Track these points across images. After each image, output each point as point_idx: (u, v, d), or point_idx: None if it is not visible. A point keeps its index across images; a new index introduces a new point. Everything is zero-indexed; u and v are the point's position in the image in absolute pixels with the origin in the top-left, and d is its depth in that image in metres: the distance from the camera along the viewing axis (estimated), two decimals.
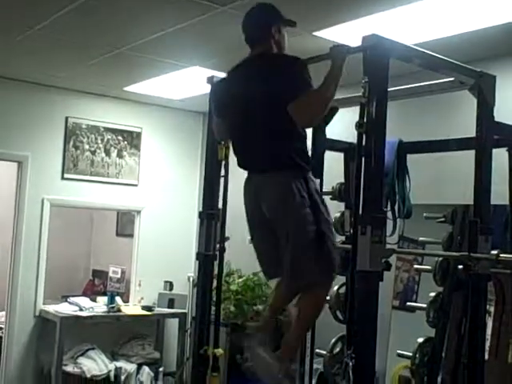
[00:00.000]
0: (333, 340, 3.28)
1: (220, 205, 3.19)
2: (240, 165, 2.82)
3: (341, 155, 3.69)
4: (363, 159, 2.37)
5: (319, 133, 3.25)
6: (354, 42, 2.50)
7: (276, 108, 2.60)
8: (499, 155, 3.00)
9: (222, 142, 3.09)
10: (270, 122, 2.65)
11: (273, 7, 2.80)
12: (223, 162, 3.14)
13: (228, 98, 2.85)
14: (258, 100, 2.65)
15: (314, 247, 2.58)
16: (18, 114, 5.49)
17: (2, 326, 5.71)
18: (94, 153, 5.91)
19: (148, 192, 6.21)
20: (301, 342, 3.13)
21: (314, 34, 3.70)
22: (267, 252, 2.82)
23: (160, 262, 6.12)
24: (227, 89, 2.87)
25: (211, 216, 3.18)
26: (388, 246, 2.42)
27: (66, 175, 5.75)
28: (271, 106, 2.61)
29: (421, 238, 3.76)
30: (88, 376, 5.40)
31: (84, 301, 5.79)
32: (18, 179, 5.56)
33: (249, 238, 2.88)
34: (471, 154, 2.86)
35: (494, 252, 2.69)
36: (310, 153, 2.78)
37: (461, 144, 3.20)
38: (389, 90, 2.41)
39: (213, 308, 3.27)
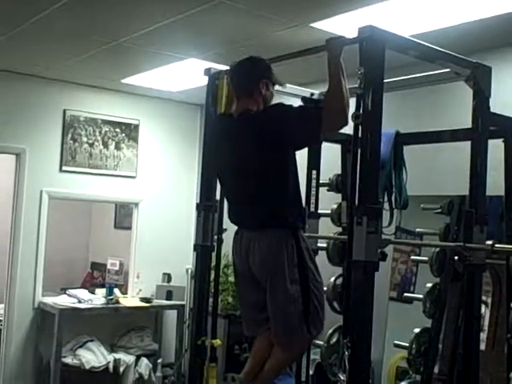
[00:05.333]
0: (330, 330, 3.30)
1: (217, 196, 3.20)
2: (231, 220, 2.86)
3: (338, 147, 3.70)
4: (359, 150, 2.38)
5: None
6: (351, 33, 2.51)
7: (269, 163, 2.63)
8: (495, 146, 3.01)
9: None
10: (261, 180, 2.67)
11: (264, 62, 2.79)
12: None
13: (218, 156, 2.90)
14: (249, 159, 2.68)
15: (300, 308, 2.63)
16: (15, 107, 5.48)
17: (1, 319, 5.73)
18: (92, 145, 5.91)
19: (146, 184, 6.22)
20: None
21: (311, 25, 3.70)
22: (250, 309, 2.87)
23: (158, 254, 6.13)
24: (216, 144, 2.91)
25: (209, 208, 3.19)
26: (385, 237, 2.44)
27: (64, 168, 5.75)
28: (263, 162, 2.64)
29: (418, 229, 3.77)
30: (87, 368, 5.41)
31: (83, 293, 5.80)
32: (16, 172, 5.56)
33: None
34: (467, 145, 2.88)
35: (490, 242, 2.70)
36: None
37: (457, 135, 3.21)
38: (385, 81, 2.42)
39: (211, 299, 3.28)
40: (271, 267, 2.65)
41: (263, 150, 2.64)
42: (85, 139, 5.87)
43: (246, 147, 2.68)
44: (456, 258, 2.92)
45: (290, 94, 3.67)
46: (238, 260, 2.84)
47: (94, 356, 5.53)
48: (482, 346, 3.38)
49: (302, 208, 2.83)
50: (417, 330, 3.32)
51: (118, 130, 6.05)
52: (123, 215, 6.94)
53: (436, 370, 3.41)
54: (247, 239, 2.75)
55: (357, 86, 2.39)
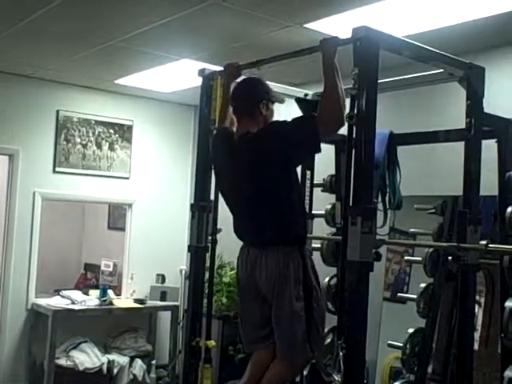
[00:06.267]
0: (324, 331, 3.30)
1: (212, 197, 3.19)
2: (237, 236, 2.89)
3: (332, 147, 3.71)
4: (353, 151, 2.38)
5: None
6: (345, 34, 2.51)
7: (271, 181, 2.67)
8: (488, 146, 3.02)
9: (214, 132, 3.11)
10: (265, 199, 2.70)
11: (263, 83, 2.85)
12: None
13: (222, 177, 2.93)
14: (252, 180, 2.71)
15: (303, 325, 2.65)
16: (8, 108, 5.46)
17: None
18: (85, 146, 5.90)
19: (140, 185, 6.21)
20: None
21: (305, 26, 3.70)
22: (253, 325, 2.88)
23: (152, 255, 6.12)
24: (220, 164, 2.95)
25: (203, 208, 3.19)
26: (379, 237, 2.44)
27: (57, 168, 5.73)
28: (266, 182, 2.68)
29: (411, 230, 3.78)
30: (81, 369, 5.40)
31: (76, 294, 5.78)
32: (10, 173, 5.53)
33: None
34: (461, 145, 2.88)
35: (483, 242, 2.71)
36: None
37: (450, 135, 3.22)
38: (379, 81, 2.43)
39: (205, 300, 3.28)
40: (278, 283, 2.68)
41: (264, 169, 2.68)
42: (78, 140, 5.85)
43: (248, 168, 2.72)
44: (450, 258, 2.93)
45: (284, 95, 3.67)
46: (244, 275, 2.85)
47: (87, 357, 5.51)
48: (476, 346, 3.39)
49: (306, 221, 2.86)
50: (411, 330, 3.33)
51: (111, 130, 6.04)
52: (117, 216, 6.92)
53: (430, 369, 3.42)
54: (254, 255, 2.77)
55: (351, 86, 2.39)
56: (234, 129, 2.93)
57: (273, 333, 2.76)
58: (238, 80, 2.96)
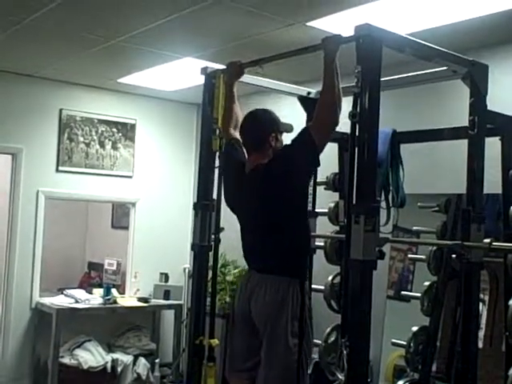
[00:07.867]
0: (328, 330, 3.31)
1: (215, 195, 3.19)
2: (245, 258, 2.92)
3: (335, 145, 3.70)
4: (356, 149, 2.38)
5: None
6: (348, 32, 2.50)
7: (280, 213, 2.70)
8: (492, 144, 3.01)
9: (217, 133, 3.11)
10: (275, 229, 2.73)
11: (271, 115, 2.86)
12: (217, 153, 3.15)
13: (234, 201, 2.95)
14: (262, 212, 2.75)
15: (295, 362, 2.63)
16: (11, 106, 5.46)
17: None
18: (88, 145, 5.90)
19: (143, 184, 6.21)
20: None
21: (308, 24, 3.69)
22: (237, 355, 2.88)
23: (155, 253, 6.13)
24: (229, 187, 2.98)
25: (206, 207, 3.19)
26: (382, 236, 2.44)
27: (60, 168, 5.73)
28: (275, 215, 2.71)
29: (415, 228, 3.77)
30: (85, 368, 5.40)
31: (80, 293, 5.79)
32: (13, 172, 5.53)
33: None
34: (464, 143, 2.87)
35: (487, 240, 2.70)
36: None
37: (454, 133, 3.21)
38: (382, 79, 2.42)
39: (208, 299, 3.28)
40: (274, 315, 2.67)
41: (274, 201, 2.70)
42: (81, 139, 5.85)
43: (258, 201, 2.75)
44: (453, 256, 2.92)
45: (287, 93, 3.68)
46: (240, 302, 2.85)
47: (91, 356, 5.52)
48: (480, 344, 3.38)
49: (311, 253, 2.88)
50: (414, 329, 3.33)
51: (114, 129, 6.04)
52: (120, 215, 6.92)
53: (434, 368, 3.42)
54: (254, 281, 2.78)
55: (353, 84, 2.39)
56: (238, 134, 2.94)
57: (257, 365, 2.73)
58: (246, 114, 2.94)
